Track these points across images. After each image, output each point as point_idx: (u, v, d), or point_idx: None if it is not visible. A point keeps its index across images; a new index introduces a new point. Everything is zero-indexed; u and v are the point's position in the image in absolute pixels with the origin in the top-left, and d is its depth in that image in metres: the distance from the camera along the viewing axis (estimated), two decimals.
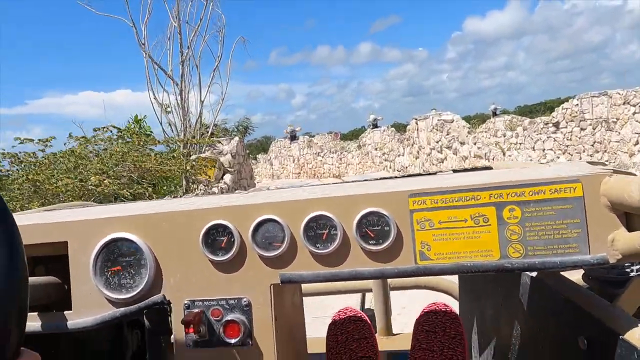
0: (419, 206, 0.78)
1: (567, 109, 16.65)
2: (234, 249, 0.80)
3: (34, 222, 0.88)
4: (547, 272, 0.93)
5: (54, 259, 0.88)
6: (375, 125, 18.97)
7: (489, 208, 0.76)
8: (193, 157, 10.67)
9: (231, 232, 0.80)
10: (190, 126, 13.05)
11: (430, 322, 1.11)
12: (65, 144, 7.92)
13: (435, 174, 1.07)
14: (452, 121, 16.54)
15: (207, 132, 13.23)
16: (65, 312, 0.84)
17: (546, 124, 16.53)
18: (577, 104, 16.71)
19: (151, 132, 11.95)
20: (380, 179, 1.10)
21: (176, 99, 12.79)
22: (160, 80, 12.67)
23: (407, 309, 3.47)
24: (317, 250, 0.79)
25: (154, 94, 12.37)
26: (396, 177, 1.08)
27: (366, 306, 2.02)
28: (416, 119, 17.78)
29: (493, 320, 1.25)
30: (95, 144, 7.71)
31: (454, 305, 1.27)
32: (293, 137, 19.64)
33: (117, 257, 0.83)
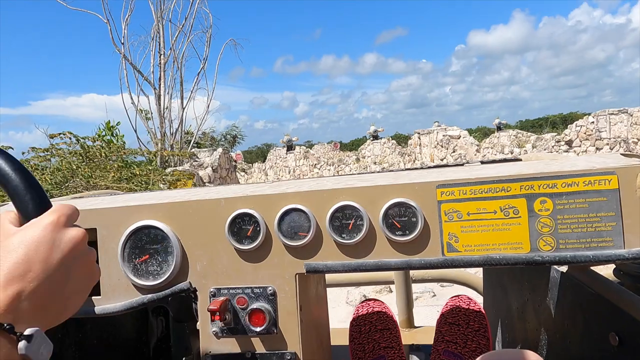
0: (447, 197, 0.78)
1: (581, 126, 15.23)
2: (259, 238, 0.82)
3: None
4: (577, 267, 0.94)
5: None
6: (375, 137, 17.60)
7: (519, 200, 0.76)
8: (169, 169, 9.23)
9: (257, 221, 0.82)
10: (172, 134, 11.65)
11: (454, 314, 1.12)
12: (23, 153, 7.18)
13: (462, 165, 1.04)
14: (459, 137, 15.06)
15: (190, 140, 11.81)
16: (94, 298, 0.87)
17: (558, 141, 15.09)
18: (593, 122, 15.24)
19: (124, 140, 10.54)
20: (406, 169, 1.08)
21: (157, 104, 11.42)
22: (140, 84, 11.30)
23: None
24: (342, 241, 0.81)
25: (131, 99, 11.05)
26: (422, 167, 1.08)
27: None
28: (419, 133, 16.33)
29: (519, 315, 1.23)
30: (54, 157, 6.46)
31: (478, 300, 1.26)
32: (290, 147, 18.28)
33: (145, 245, 0.85)
